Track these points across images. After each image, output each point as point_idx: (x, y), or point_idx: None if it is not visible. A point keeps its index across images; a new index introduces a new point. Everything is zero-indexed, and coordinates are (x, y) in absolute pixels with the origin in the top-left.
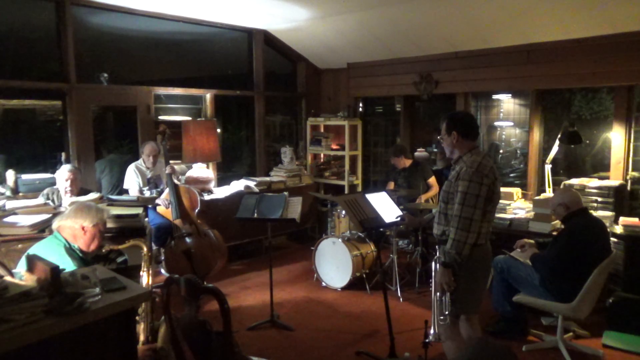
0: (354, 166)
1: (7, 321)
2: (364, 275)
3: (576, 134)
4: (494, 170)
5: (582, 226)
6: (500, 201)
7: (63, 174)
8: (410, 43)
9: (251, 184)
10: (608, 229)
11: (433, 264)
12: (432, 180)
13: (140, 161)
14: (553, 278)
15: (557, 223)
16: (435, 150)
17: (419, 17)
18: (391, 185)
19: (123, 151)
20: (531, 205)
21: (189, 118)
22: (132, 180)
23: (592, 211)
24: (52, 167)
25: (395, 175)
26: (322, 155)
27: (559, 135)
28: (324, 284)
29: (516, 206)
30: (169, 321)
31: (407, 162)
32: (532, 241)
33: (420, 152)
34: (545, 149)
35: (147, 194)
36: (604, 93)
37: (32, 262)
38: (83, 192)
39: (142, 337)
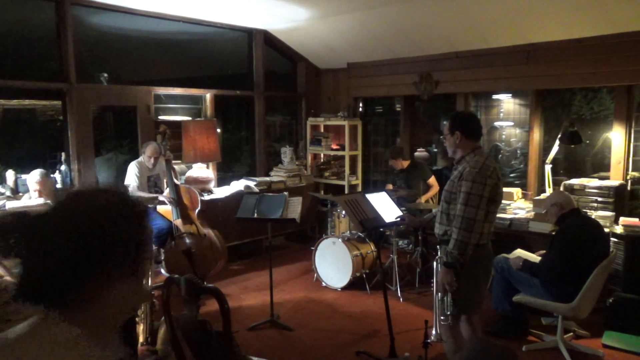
0: (354, 166)
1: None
2: (364, 275)
3: (576, 134)
4: (497, 171)
5: (577, 226)
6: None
7: (31, 184)
8: (410, 43)
9: (251, 184)
10: (607, 229)
11: (435, 264)
12: (432, 180)
13: (141, 158)
14: (554, 279)
15: None
16: (435, 150)
17: (419, 17)
18: (389, 187)
19: (123, 151)
20: (531, 205)
21: (189, 118)
22: (133, 176)
23: (592, 211)
24: (52, 167)
25: (393, 176)
26: (322, 155)
27: (559, 135)
28: (324, 284)
29: (516, 206)
30: (169, 321)
31: (405, 163)
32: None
33: (420, 152)
34: (545, 149)
35: (145, 191)
36: (604, 93)
37: None
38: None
39: (141, 338)
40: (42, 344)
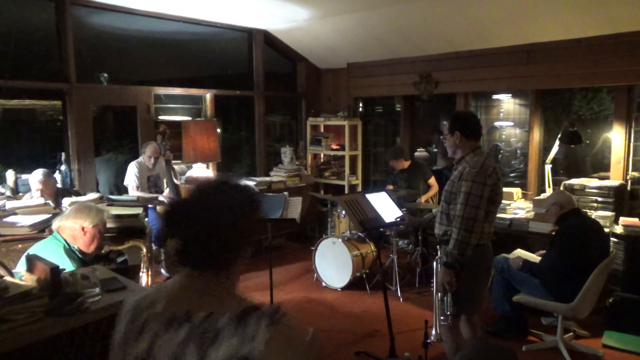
0: (354, 166)
1: (7, 321)
2: (364, 275)
3: (576, 134)
4: (497, 171)
5: (577, 225)
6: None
7: (34, 184)
8: (410, 43)
9: (251, 184)
10: (607, 229)
11: (435, 264)
12: (432, 180)
13: (141, 159)
14: (554, 279)
15: None
16: (435, 150)
17: (419, 17)
18: (390, 187)
19: (123, 151)
20: (531, 205)
21: (189, 118)
22: (133, 177)
23: (592, 211)
24: (52, 167)
25: (394, 177)
26: (322, 155)
27: (559, 135)
28: (324, 284)
29: (516, 206)
30: None
31: (406, 164)
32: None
33: (420, 152)
34: (545, 149)
35: (145, 191)
36: (604, 93)
37: (32, 262)
38: (61, 192)
39: None
40: (198, 294)
